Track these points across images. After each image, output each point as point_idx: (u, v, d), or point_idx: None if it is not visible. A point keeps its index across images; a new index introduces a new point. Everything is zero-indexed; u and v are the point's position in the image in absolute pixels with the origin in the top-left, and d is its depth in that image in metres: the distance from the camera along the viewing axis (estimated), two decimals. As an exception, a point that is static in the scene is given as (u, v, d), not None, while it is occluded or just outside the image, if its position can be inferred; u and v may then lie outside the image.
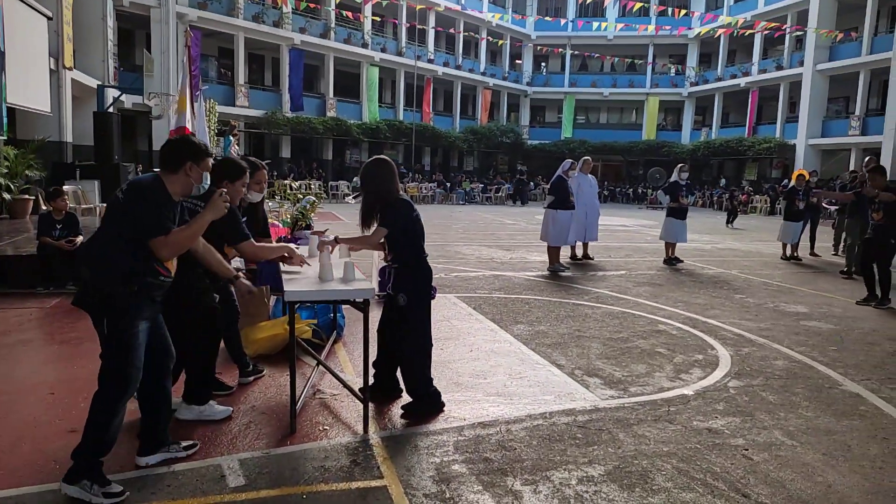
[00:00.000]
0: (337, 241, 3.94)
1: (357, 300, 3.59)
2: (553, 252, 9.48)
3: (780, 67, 31.79)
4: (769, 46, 34.15)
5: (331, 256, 3.87)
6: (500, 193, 31.79)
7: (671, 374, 4.70)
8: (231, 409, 3.77)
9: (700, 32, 33.79)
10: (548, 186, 11.20)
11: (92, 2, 17.04)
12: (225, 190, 3.07)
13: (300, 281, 3.69)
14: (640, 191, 35.16)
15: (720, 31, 31.74)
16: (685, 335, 5.88)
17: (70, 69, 15.15)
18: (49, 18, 13.51)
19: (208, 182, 3.01)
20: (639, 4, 25.27)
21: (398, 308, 3.85)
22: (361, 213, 4.00)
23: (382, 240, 3.86)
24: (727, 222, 20.08)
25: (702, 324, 6.32)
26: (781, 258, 11.55)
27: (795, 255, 11.60)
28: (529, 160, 40.88)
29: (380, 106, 33.15)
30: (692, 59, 38.25)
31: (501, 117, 40.25)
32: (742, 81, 33.93)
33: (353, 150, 33.10)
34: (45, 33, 13.46)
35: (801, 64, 30.01)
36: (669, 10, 34.12)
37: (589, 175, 10.66)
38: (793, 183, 11.92)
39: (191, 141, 3.00)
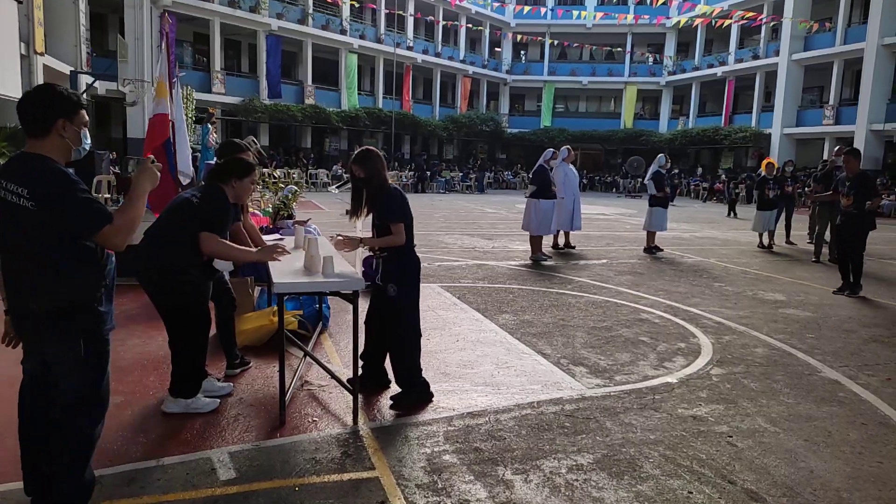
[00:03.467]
0: (362, 242, 3.85)
1: (346, 291, 3.57)
2: (535, 241, 9.52)
3: (756, 57, 32.14)
4: (745, 36, 34.52)
5: (318, 248, 3.85)
6: (470, 182, 31.63)
7: (655, 363, 4.77)
8: (218, 401, 3.75)
9: (679, 22, 33.96)
10: (529, 175, 11.20)
11: (62, -15, 16.64)
12: (153, 157, 2.68)
13: (288, 272, 3.66)
14: (618, 180, 35.42)
15: (697, 20, 31.98)
16: (667, 324, 5.96)
17: (41, 54, 14.78)
18: (19, 2, 13.14)
19: (88, 141, 2.49)
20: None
21: (388, 299, 3.85)
22: (354, 200, 3.97)
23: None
24: (728, 213, 19.97)
25: (683, 312, 6.41)
26: (758, 247, 11.73)
27: (772, 243, 11.79)
28: (509, 149, 40.98)
29: (359, 94, 32.89)
30: (670, 49, 38.50)
31: (481, 105, 40.21)
32: (719, 71, 34.25)
33: (333, 138, 32.86)
34: (15, 17, 13.08)
35: (777, 54, 30.38)
36: (648, -1, 34.21)
37: (570, 165, 10.71)
38: (763, 172, 12.07)
39: (56, 90, 2.36)
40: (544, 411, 3.79)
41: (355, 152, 3.97)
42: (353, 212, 4.04)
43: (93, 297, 2.28)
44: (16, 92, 12.88)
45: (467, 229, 13.55)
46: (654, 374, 4.52)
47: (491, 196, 27.93)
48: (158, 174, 2.49)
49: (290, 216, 8.37)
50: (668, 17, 34.74)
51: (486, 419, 3.65)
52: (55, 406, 2.30)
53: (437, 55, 36.42)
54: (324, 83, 31.64)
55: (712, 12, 31.15)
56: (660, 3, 30.14)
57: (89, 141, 2.44)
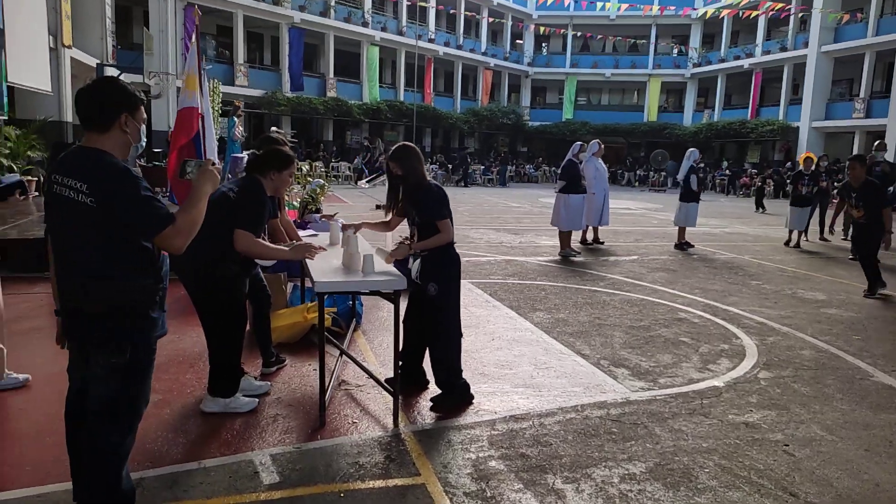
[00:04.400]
0: (411, 247, 3.72)
1: (388, 291, 3.47)
2: (564, 237, 9.38)
3: (784, 49, 31.49)
4: (773, 27, 33.83)
5: (358, 244, 3.76)
6: (492, 175, 31.43)
7: (699, 365, 4.63)
8: (256, 400, 3.68)
9: (706, 13, 33.36)
10: (551, 169, 10.99)
11: (90, -22, 16.73)
12: (214, 161, 2.64)
13: (328, 271, 3.58)
14: (642, 174, 34.99)
15: (724, 11, 31.39)
16: (707, 323, 5.80)
17: (69, 47, 14.87)
18: (47, -5, 13.22)
19: (145, 138, 2.46)
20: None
21: (428, 298, 3.75)
22: (390, 197, 3.88)
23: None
24: (756, 208, 19.45)
25: (722, 311, 6.24)
26: (784, 245, 11.35)
27: (800, 242, 11.33)
28: (530, 142, 40.67)
29: (380, 86, 32.81)
30: (695, 40, 37.86)
31: (502, 98, 39.90)
32: (745, 63, 33.63)
33: (354, 131, 32.80)
34: (44, 10, 13.17)
35: (806, 45, 29.73)
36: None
37: (599, 159, 10.53)
38: (800, 167, 11.74)
39: (120, 84, 2.26)
40: (589, 415, 3.67)
41: (392, 148, 3.86)
42: (389, 209, 3.95)
43: (148, 302, 2.19)
44: (45, 85, 12.99)
45: (492, 224, 13.42)
46: (700, 377, 4.38)
47: (513, 189, 27.73)
48: (218, 176, 2.39)
49: (318, 210, 8.32)
50: (693, 9, 34.17)
51: (530, 423, 3.55)
52: (92, 413, 2.22)
53: (459, 47, 36.19)
54: (345, 76, 31.58)
55: (740, 3, 30.52)
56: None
57: (145, 138, 2.34)
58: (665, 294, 6.96)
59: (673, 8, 32.35)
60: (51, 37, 13.76)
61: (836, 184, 12.97)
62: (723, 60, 35.52)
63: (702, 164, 10.89)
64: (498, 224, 13.42)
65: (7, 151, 9.98)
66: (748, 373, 4.49)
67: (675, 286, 7.37)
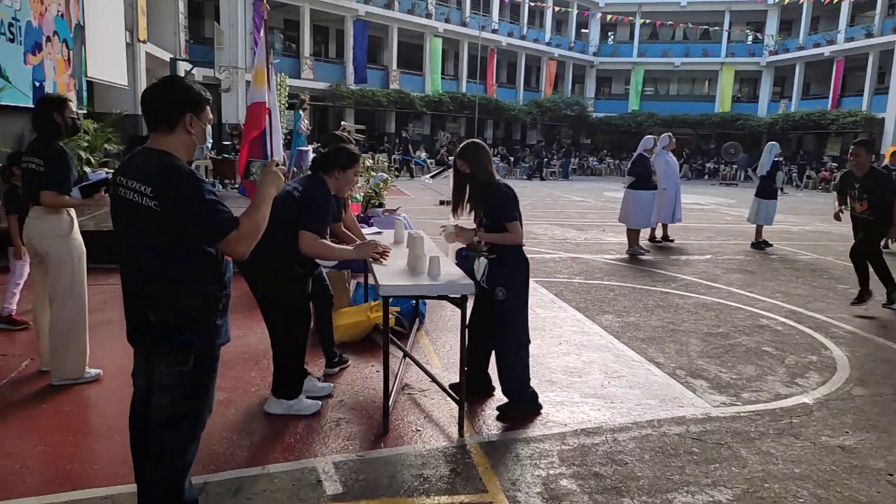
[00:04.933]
0: (477, 235, 3.59)
1: (455, 296, 3.33)
2: (633, 234, 9.04)
3: (869, 35, 29.60)
4: (858, 12, 31.86)
5: (424, 247, 3.64)
6: (555, 168, 30.88)
7: (785, 379, 4.30)
8: (320, 403, 3.62)
9: (784, -2, 31.73)
10: (620, 162, 10.56)
11: (164, -26, 17.23)
12: (278, 161, 2.52)
13: (393, 273, 3.47)
14: (713, 167, 33.72)
15: (805, -5, 29.77)
16: (792, 332, 5.42)
17: (144, 42, 15.36)
18: (125, -9, 13.67)
19: (210, 140, 2.39)
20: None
21: (495, 303, 3.59)
22: (456, 196, 3.74)
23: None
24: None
25: (808, 318, 5.84)
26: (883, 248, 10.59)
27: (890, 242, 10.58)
28: (594, 134, 39.77)
29: (443, 78, 32.69)
30: (771, 27, 36.05)
31: (566, 89, 39.09)
32: (826, 50, 31.80)
33: (416, 123, 32.84)
34: (121, 7, 13.63)
35: (894, 31, 27.85)
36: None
37: (670, 153, 10.10)
38: (886, 161, 10.95)
39: (185, 83, 2.19)
40: (667, 432, 3.44)
41: (461, 145, 3.71)
42: (455, 208, 3.81)
43: (212, 309, 2.12)
44: (122, 80, 13.46)
45: (556, 219, 13.12)
46: (787, 392, 4.07)
47: (576, 183, 27.16)
48: (283, 178, 2.30)
49: (381, 205, 8.27)
50: (771, -7, 32.51)
51: (603, 438, 3.35)
52: (155, 421, 2.17)
53: (523, 38, 35.67)
54: (408, 68, 31.62)
55: (823, -14, 28.91)
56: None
57: (211, 140, 2.26)
58: (743, 298, 6.57)
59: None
60: (127, 32, 14.23)
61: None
62: (801, 48, 33.71)
63: (782, 158, 10.21)
64: (561, 219, 13.12)
65: (85, 144, 10.35)
66: (841, 389, 4.14)
67: (753, 289, 6.96)
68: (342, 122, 8.43)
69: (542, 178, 27.98)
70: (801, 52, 33.60)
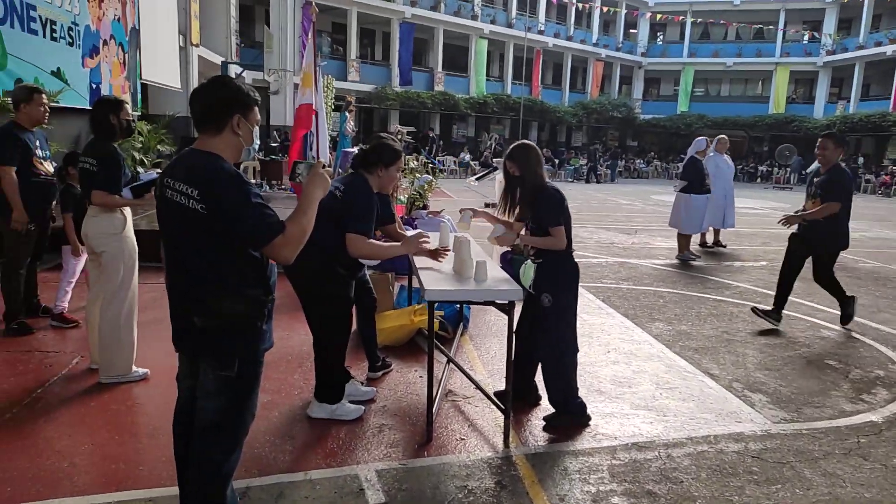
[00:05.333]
0: (519, 237, 3.56)
1: (502, 301, 3.23)
2: (683, 239, 8.77)
3: (936, 33, 28.28)
4: (923, 9, 30.50)
5: (471, 249, 3.55)
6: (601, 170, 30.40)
7: (850, 394, 4.06)
8: (363, 408, 3.57)
9: (844, -5, 30.55)
10: (667, 165, 10.21)
11: (216, -21, 17.60)
12: (325, 162, 2.48)
13: (439, 278, 3.39)
14: (766, 170, 32.72)
15: (867, -8, 28.59)
16: (856, 344, 5.14)
17: (197, 46, 15.71)
18: (178, -4, 13.99)
19: (258, 142, 2.37)
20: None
21: (542, 309, 3.48)
22: (505, 199, 3.65)
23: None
24: None
25: (872, 330, 5.53)
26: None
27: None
28: (641, 136, 39.05)
29: (487, 79, 32.58)
30: (829, 25, 34.76)
31: (613, 90, 38.49)
32: (889, 49, 30.45)
33: (460, 125, 32.83)
34: (175, 11, 13.95)
35: (965, 28, 26.53)
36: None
37: (724, 155, 9.77)
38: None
39: (234, 83, 2.14)
40: (724, 449, 3.27)
41: (511, 146, 3.62)
42: (503, 210, 3.71)
43: (258, 314, 2.08)
44: (175, 82, 13.77)
45: (602, 222, 12.86)
46: (853, 409, 3.84)
47: (622, 185, 26.68)
48: (329, 180, 2.23)
49: (425, 206, 8.22)
50: (830, -10, 31.33)
51: (656, 454, 3.20)
52: (199, 426, 2.14)
53: (569, 39, 35.29)
54: (453, 69, 31.63)
55: (886, -18, 27.72)
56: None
57: (259, 141, 2.22)
58: (801, 307, 6.28)
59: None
60: (181, 36, 14.56)
61: None
62: (861, 47, 32.39)
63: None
64: (608, 222, 12.85)
65: (139, 146, 10.61)
66: (913, 408, 3.88)
67: (812, 298, 6.65)
68: (394, 126, 8.47)
69: (597, 181, 27.60)
70: (862, 52, 32.29)
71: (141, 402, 3.62)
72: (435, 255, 3.65)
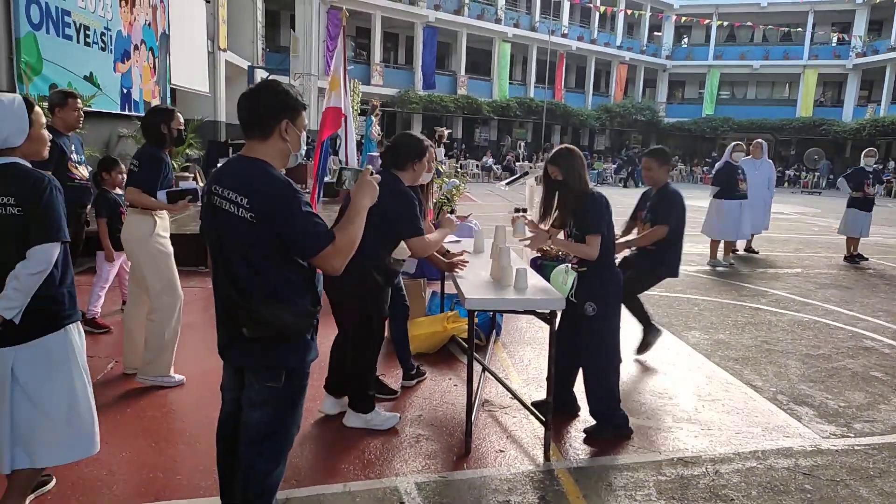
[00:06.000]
0: (551, 240, 3.53)
1: (543, 311, 3.16)
2: (715, 245, 8.61)
3: (972, 34, 27.61)
4: (958, 10, 29.79)
5: (510, 258, 3.48)
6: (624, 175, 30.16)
7: (902, 409, 3.92)
8: (398, 416, 3.51)
9: (875, -4, 29.95)
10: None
11: (243, -16, 17.76)
12: (371, 168, 2.46)
13: (478, 286, 3.32)
14: (795, 174, 32.17)
15: (900, -7, 28.00)
16: (902, 356, 4.97)
17: (224, 50, 15.85)
18: (207, 1, 14.12)
19: (305, 147, 2.32)
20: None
21: (585, 318, 3.39)
22: (545, 204, 3.56)
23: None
24: None
25: (918, 342, 5.35)
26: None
27: None
28: (665, 139, 38.63)
29: (510, 83, 32.49)
30: (859, 27, 34.10)
31: (636, 93, 38.16)
32: (922, 51, 29.88)
33: (483, 129, 32.76)
34: (204, 16, 14.09)
35: None
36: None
37: (764, 159, 9.58)
38: None
39: (283, 87, 2.09)
40: (774, 465, 3.15)
41: (554, 150, 3.54)
42: (542, 216, 3.63)
43: (306, 325, 2.03)
44: (204, 86, 13.90)
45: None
46: (906, 425, 3.69)
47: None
48: (377, 186, 2.16)
49: (452, 211, 8.16)
50: (860, -9, 30.72)
51: (703, 469, 3.10)
52: (244, 438, 2.10)
53: (593, 42, 35.06)
54: (476, 73, 31.60)
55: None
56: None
57: (305, 146, 2.16)
58: (842, 316, 6.10)
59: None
60: (209, 41, 14.69)
61: None
62: (893, 49, 31.74)
63: (874, 165, 9.45)
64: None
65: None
66: (969, 424, 3.73)
67: (852, 307, 6.47)
68: (436, 128, 8.51)
69: (637, 185, 27.41)
70: (893, 54, 31.63)
71: (176, 408, 3.60)
72: (451, 267, 3.59)
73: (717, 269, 8.35)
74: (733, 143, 8.91)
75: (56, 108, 4.50)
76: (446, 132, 14.16)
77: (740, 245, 9.69)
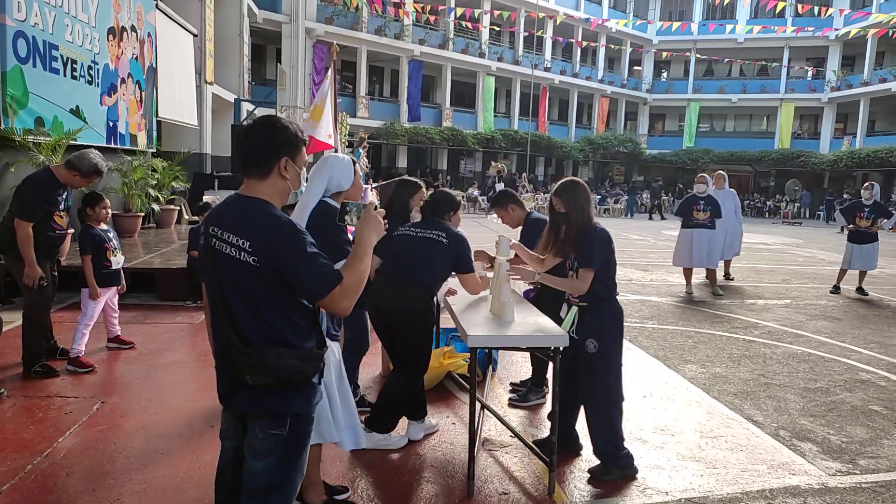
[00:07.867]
0: (539, 275, 3.61)
1: (548, 347, 3.10)
2: (686, 274, 8.95)
3: (941, 69, 28.49)
4: (926, 46, 30.78)
5: (510, 294, 3.43)
6: (618, 205, 30.50)
7: (904, 444, 3.88)
8: (406, 439, 3.57)
9: (849, 33, 30.82)
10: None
11: (230, 19, 17.85)
12: (376, 204, 2.37)
13: (478, 322, 3.26)
14: (772, 205, 32.70)
15: (871, 31, 28.86)
16: (899, 388, 4.96)
17: (211, 84, 15.85)
18: (195, 35, 14.16)
19: (305, 184, 2.30)
20: (781, 4, 23.29)
21: (586, 355, 3.34)
22: (548, 236, 3.53)
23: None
24: None
25: (913, 374, 5.35)
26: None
27: None
28: (647, 171, 39.17)
29: (494, 115, 32.87)
30: (833, 62, 35.11)
31: (618, 126, 38.79)
32: (894, 86, 30.70)
33: (468, 160, 33.01)
34: (192, 50, 14.11)
35: (969, 65, 26.72)
36: (815, 8, 30.56)
37: (727, 189, 9.67)
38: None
39: (282, 123, 2.00)
40: (783, 505, 3.09)
41: (559, 183, 3.53)
42: (544, 248, 3.58)
43: (313, 369, 1.95)
44: (192, 119, 13.85)
45: (618, 258, 12.70)
46: (910, 460, 3.65)
47: (631, 221, 26.64)
48: (383, 222, 2.08)
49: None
50: (834, 28, 31.65)
51: (712, 510, 3.02)
52: (246, 489, 1.99)
53: (575, 75, 35.68)
54: (461, 106, 31.94)
55: (890, 21, 27.98)
56: (826, 13, 27.60)
57: (306, 183, 2.11)
58: (835, 348, 6.10)
59: (811, 29, 30.08)
60: (196, 74, 14.70)
61: None
62: (866, 83, 32.68)
63: (871, 199, 9.53)
64: (623, 258, 12.71)
65: (154, 182, 10.60)
66: (973, 459, 3.69)
67: (844, 338, 6.48)
68: (492, 162, 8.46)
69: (662, 218, 27.65)
70: (867, 88, 32.59)
71: (164, 451, 3.46)
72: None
73: (688, 296, 8.49)
74: (698, 175, 9.05)
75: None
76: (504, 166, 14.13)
77: (720, 275, 9.70)
